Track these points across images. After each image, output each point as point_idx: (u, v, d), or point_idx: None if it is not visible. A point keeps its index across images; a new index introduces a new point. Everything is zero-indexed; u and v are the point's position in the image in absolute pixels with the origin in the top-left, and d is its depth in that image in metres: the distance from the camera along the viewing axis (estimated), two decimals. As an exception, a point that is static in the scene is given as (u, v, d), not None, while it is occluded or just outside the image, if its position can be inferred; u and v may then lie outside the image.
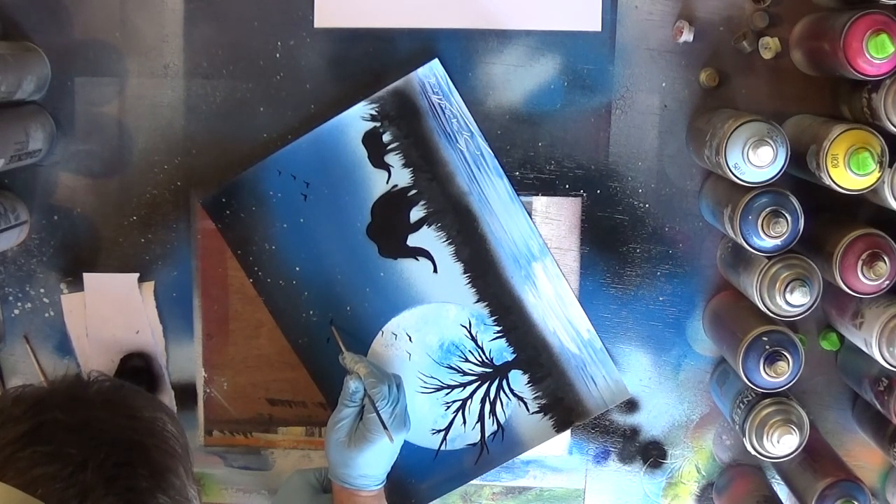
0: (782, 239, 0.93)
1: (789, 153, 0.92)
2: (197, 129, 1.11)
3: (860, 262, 0.93)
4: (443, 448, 1.14)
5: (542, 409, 1.13)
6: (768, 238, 0.93)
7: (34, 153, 1.07)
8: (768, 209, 0.92)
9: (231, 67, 1.10)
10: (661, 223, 1.10)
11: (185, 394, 1.15)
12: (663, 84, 1.08)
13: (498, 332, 1.12)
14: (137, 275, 1.12)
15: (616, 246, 1.11)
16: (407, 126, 1.09)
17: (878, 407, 1.01)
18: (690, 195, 1.09)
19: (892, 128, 0.90)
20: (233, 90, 1.10)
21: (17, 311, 1.15)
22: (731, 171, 0.93)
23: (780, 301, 0.94)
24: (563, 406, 1.13)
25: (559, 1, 1.06)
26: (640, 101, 1.08)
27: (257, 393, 1.16)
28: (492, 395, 1.13)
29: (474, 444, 1.14)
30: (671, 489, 1.15)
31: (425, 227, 1.11)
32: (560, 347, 1.12)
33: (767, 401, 0.98)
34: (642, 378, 1.13)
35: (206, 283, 1.13)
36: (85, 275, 1.12)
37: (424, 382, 1.13)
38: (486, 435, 1.14)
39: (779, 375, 0.95)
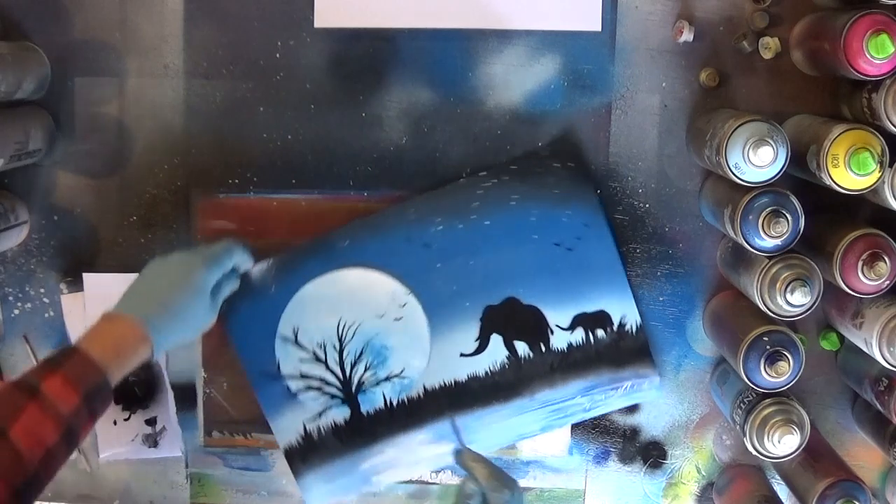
0: (782, 239, 0.93)
1: (789, 153, 0.92)
2: (197, 129, 1.11)
3: (860, 262, 0.93)
4: None
5: None
6: (769, 238, 0.93)
7: (34, 153, 1.07)
8: (769, 209, 0.92)
9: (231, 67, 1.10)
10: (661, 223, 1.10)
11: (185, 394, 1.15)
12: (663, 84, 1.08)
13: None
14: (137, 275, 1.12)
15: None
16: None
17: (878, 407, 1.01)
18: (690, 195, 1.09)
19: (892, 128, 0.90)
20: (233, 90, 1.10)
21: (16, 311, 1.15)
22: (731, 171, 0.93)
23: (780, 301, 0.94)
24: None
25: (559, 1, 1.06)
26: (640, 101, 1.08)
27: (257, 393, 1.16)
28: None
29: None
30: (671, 489, 1.15)
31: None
32: None
33: (768, 401, 0.98)
34: (642, 378, 1.13)
35: (206, 284, 1.13)
36: (85, 275, 1.12)
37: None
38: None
39: (779, 375, 0.95)
